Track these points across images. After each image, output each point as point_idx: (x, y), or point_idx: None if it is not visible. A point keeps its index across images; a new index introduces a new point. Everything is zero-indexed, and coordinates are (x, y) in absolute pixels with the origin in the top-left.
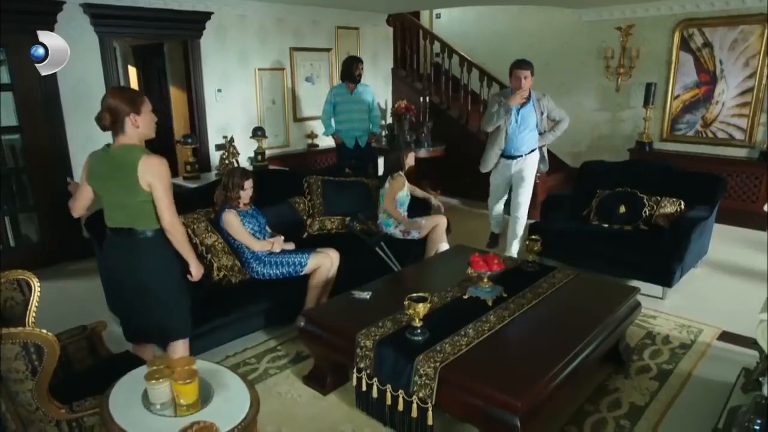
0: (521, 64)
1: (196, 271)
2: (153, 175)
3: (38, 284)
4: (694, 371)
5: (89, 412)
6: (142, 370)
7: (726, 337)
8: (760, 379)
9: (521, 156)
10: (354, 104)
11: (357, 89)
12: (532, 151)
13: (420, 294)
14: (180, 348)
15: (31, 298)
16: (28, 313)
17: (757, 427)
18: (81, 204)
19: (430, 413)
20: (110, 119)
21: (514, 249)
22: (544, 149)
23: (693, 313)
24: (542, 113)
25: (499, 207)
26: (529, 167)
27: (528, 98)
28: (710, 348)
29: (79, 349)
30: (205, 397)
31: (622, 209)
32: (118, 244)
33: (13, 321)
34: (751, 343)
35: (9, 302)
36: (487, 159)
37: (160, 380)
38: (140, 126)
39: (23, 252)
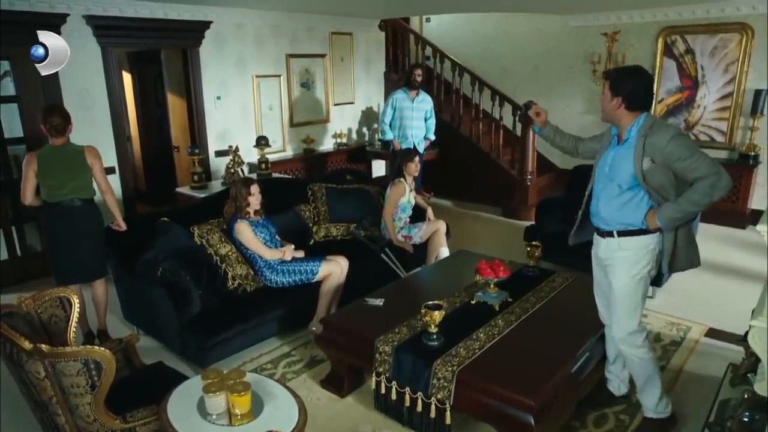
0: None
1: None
2: (95, 157)
3: (77, 301)
4: (684, 367)
5: (141, 422)
6: (193, 382)
7: (712, 333)
8: (749, 375)
9: (609, 235)
10: (414, 111)
11: (419, 96)
12: (627, 232)
13: (435, 302)
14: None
15: (72, 314)
16: (69, 328)
17: (746, 419)
18: (31, 192)
19: (448, 413)
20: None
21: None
22: (670, 241)
23: (681, 311)
24: (651, 162)
25: (607, 321)
26: (618, 259)
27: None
28: (699, 344)
29: (115, 360)
30: (255, 406)
31: None
32: (76, 209)
33: (57, 336)
34: (736, 339)
35: (53, 319)
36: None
37: (217, 392)
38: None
39: (28, 261)
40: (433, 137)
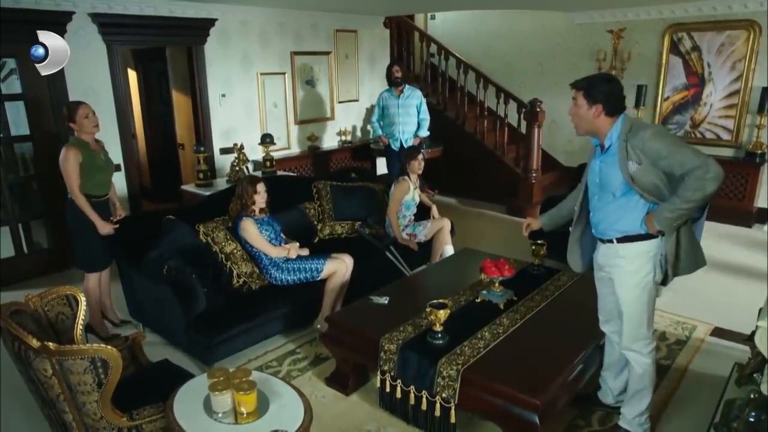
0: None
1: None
2: (61, 159)
3: (84, 299)
4: (690, 366)
5: (147, 420)
6: (199, 380)
7: (718, 332)
8: (755, 374)
9: (609, 241)
10: (400, 108)
11: (404, 93)
12: (626, 238)
13: (440, 301)
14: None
15: (78, 312)
16: (75, 326)
17: (752, 419)
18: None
19: (452, 412)
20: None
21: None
22: (672, 244)
23: (687, 310)
24: (637, 165)
25: (607, 330)
26: (618, 266)
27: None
28: (704, 344)
29: (122, 358)
30: (261, 405)
31: None
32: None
33: (65, 334)
34: (742, 339)
35: (60, 317)
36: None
37: (223, 391)
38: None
39: (35, 258)
40: (424, 134)
